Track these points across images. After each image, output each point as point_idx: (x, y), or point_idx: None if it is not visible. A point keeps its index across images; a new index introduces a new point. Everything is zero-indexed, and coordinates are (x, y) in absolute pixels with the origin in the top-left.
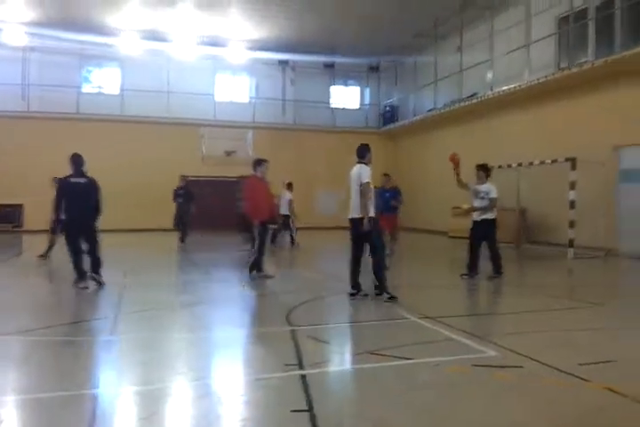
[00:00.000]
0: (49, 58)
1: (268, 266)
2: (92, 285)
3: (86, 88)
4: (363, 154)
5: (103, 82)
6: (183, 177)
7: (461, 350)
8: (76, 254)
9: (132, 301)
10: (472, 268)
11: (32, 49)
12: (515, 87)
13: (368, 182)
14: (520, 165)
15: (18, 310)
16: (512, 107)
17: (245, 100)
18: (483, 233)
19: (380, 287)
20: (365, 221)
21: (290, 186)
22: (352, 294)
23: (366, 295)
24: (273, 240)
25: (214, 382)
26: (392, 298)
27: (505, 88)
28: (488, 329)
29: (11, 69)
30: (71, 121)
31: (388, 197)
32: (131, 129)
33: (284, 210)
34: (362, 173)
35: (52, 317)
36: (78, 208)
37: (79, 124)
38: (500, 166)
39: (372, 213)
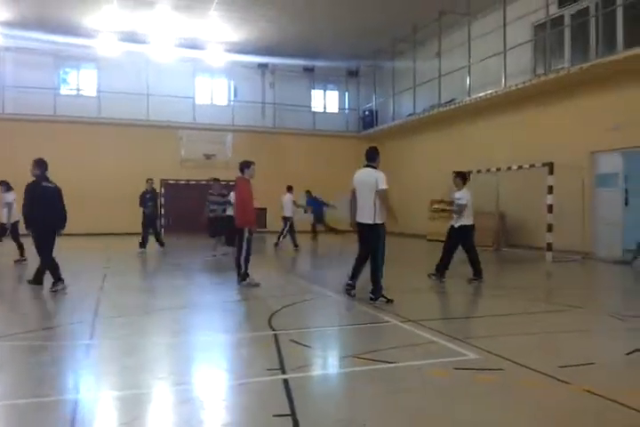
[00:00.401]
0: (25, 59)
1: (255, 273)
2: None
3: (64, 90)
4: (373, 157)
5: (80, 84)
6: (149, 180)
7: (443, 353)
8: (52, 258)
9: (112, 305)
10: (441, 270)
11: (7, 49)
12: (492, 93)
13: (386, 189)
14: (499, 169)
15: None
16: (490, 112)
17: (225, 102)
18: (458, 239)
19: (376, 292)
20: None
21: (290, 188)
22: (348, 285)
23: (354, 295)
24: (276, 244)
25: (196, 386)
26: (389, 301)
27: (482, 94)
28: (468, 332)
29: None
30: (48, 123)
31: None
32: (108, 131)
33: (287, 212)
34: (378, 178)
35: (29, 321)
36: (50, 212)
37: (56, 126)
38: (478, 171)
39: (384, 220)
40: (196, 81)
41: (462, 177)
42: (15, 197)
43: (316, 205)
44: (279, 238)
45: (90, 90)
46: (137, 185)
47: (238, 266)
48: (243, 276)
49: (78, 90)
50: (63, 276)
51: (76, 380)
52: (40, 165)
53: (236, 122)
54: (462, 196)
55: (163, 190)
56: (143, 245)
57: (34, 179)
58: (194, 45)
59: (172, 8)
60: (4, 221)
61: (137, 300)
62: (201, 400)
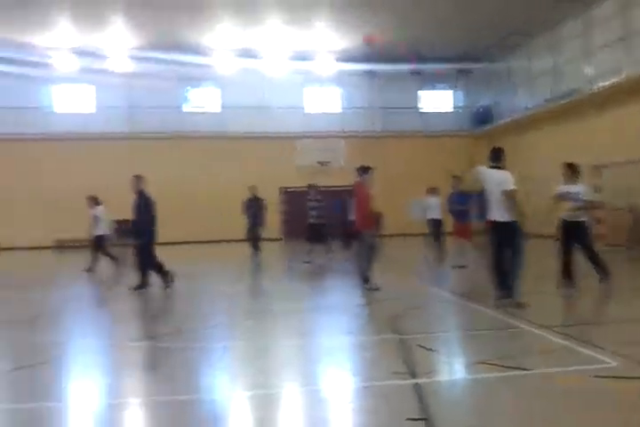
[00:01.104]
0: (150, 80)
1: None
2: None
3: (186, 108)
4: (498, 158)
5: (202, 101)
6: (252, 188)
7: (579, 360)
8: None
9: (240, 308)
10: (567, 274)
11: (134, 73)
12: (615, 82)
13: (514, 190)
14: (629, 162)
15: (136, 319)
16: (613, 103)
17: (335, 110)
18: (575, 235)
19: (509, 293)
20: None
21: (433, 190)
22: (501, 297)
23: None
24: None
25: (323, 388)
26: (521, 305)
27: (605, 83)
28: (605, 338)
29: (115, 93)
30: (173, 140)
31: (459, 202)
32: (231, 145)
33: (434, 214)
34: (507, 179)
35: (168, 324)
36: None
37: (181, 142)
38: (603, 166)
39: (514, 218)
40: (307, 91)
41: (573, 169)
42: (103, 212)
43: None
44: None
45: (213, 106)
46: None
47: (360, 270)
48: (364, 279)
49: (201, 107)
50: (199, 280)
51: (212, 380)
52: (143, 180)
53: (347, 128)
54: (583, 190)
55: (282, 198)
56: (255, 248)
57: (140, 192)
58: (304, 57)
59: (281, 22)
60: (95, 233)
61: (262, 303)
62: (328, 402)
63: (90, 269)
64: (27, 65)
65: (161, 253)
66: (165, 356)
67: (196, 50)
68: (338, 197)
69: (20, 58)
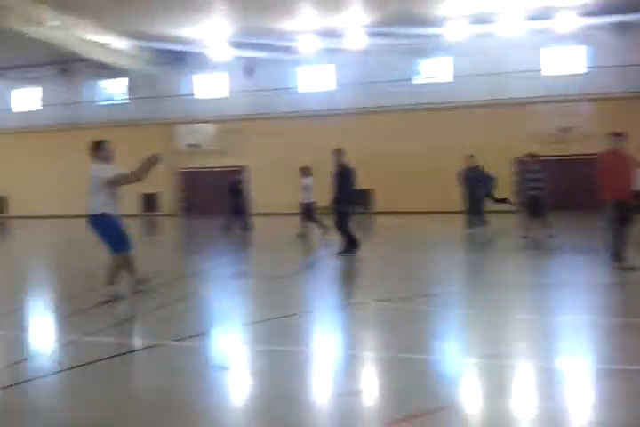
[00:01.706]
0: (384, 55)
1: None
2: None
3: (417, 80)
4: None
5: (434, 72)
6: (470, 157)
7: None
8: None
9: (479, 279)
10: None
11: (369, 50)
12: None
13: None
14: None
15: (374, 281)
16: None
17: (578, 71)
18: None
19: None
20: None
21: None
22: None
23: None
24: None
25: (559, 366)
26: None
27: None
28: None
29: (352, 70)
30: (403, 113)
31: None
32: (460, 114)
33: None
34: None
35: (406, 288)
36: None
37: (410, 114)
38: None
39: None
40: (544, 52)
41: None
42: (311, 183)
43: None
44: None
45: (444, 76)
46: (490, 165)
47: (611, 246)
48: (616, 257)
49: (431, 78)
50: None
51: (444, 343)
52: (343, 153)
53: (592, 90)
54: None
55: (516, 168)
56: (476, 223)
57: (341, 165)
58: (542, 15)
59: None
60: (304, 201)
61: (500, 276)
62: (567, 381)
63: (302, 235)
64: (277, 50)
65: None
66: (406, 317)
67: (428, 21)
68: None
69: (271, 43)
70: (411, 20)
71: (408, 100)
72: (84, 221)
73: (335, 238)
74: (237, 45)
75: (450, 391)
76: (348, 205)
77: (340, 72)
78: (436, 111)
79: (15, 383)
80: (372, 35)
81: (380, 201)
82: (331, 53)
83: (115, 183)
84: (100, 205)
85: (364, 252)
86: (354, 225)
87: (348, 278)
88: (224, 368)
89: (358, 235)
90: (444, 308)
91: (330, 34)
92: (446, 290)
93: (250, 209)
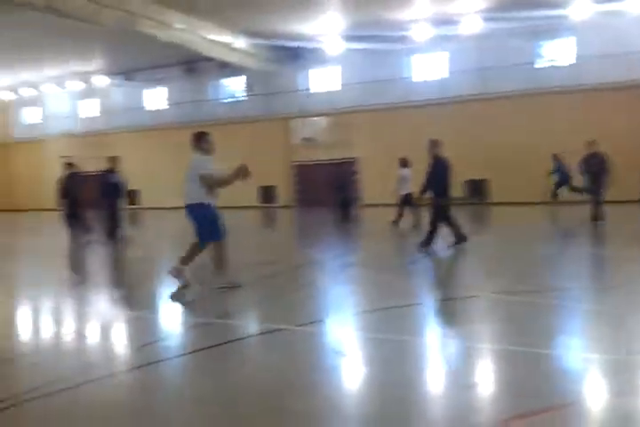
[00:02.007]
0: (501, 40)
1: None
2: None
3: (539, 63)
4: None
5: (556, 54)
6: (591, 143)
7: None
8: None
9: (609, 274)
10: None
11: (485, 35)
12: None
13: None
14: None
15: (497, 273)
16: None
17: None
18: None
19: None
20: None
21: None
22: None
23: None
24: None
25: None
26: None
27: None
28: None
29: (467, 57)
30: (523, 97)
31: None
32: (583, 97)
33: None
34: None
35: (525, 281)
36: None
37: (534, 99)
38: None
39: None
40: None
41: None
42: (409, 174)
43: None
44: None
45: (567, 58)
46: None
47: None
48: None
49: (553, 61)
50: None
51: (568, 339)
52: (438, 144)
53: None
54: None
55: None
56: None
57: (436, 156)
58: None
59: None
60: (402, 192)
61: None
62: None
63: (396, 223)
64: (389, 40)
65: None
66: (526, 310)
67: (549, 1)
68: None
69: (384, 34)
70: (529, 1)
71: (528, 84)
72: None
73: (446, 230)
74: (351, 38)
75: (574, 388)
76: (441, 197)
77: (453, 59)
78: (559, 95)
79: (148, 363)
80: (488, 19)
81: (495, 192)
82: (444, 41)
83: (202, 180)
84: (197, 194)
85: (477, 243)
86: (456, 217)
87: (460, 270)
88: (343, 354)
89: (468, 227)
90: (566, 302)
91: (443, 21)
92: (569, 284)
93: (358, 201)
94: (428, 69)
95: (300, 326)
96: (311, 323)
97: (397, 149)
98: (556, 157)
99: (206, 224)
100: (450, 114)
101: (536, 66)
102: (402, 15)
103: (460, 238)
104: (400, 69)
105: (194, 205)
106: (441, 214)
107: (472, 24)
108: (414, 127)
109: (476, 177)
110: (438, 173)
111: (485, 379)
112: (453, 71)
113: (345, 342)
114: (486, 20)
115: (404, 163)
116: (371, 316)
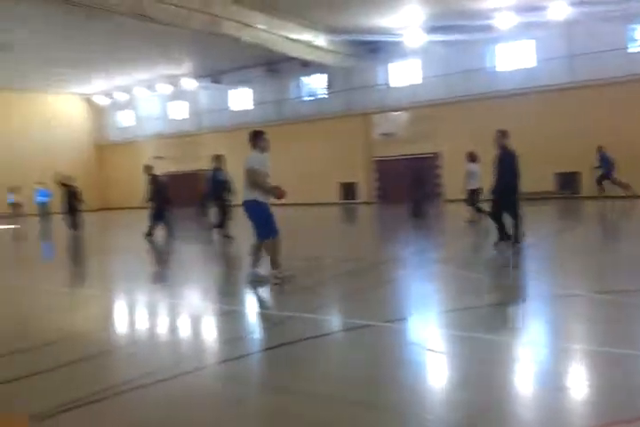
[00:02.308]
0: (592, 25)
1: None
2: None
3: (632, 48)
4: None
5: None
6: None
7: None
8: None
9: None
10: None
11: (574, 20)
12: None
13: None
14: None
15: (597, 271)
16: None
17: None
18: None
19: None
20: None
21: None
22: None
23: None
24: None
25: None
26: None
27: None
28: None
29: (555, 44)
30: (618, 85)
31: None
32: None
33: None
34: None
35: (630, 280)
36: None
37: (629, 86)
38: None
39: None
40: None
41: None
42: (478, 169)
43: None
44: None
45: None
46: None
47: None
48: None
49: None
50: None
51: None
52: (506, 135)
53: None
54: None
55: None
56: None
57: (503, 147)
58: None
59: None
60: (469, 187)
61: None
62: None
63: (471, 220)
64: (471, 30)
65: None
66: (629, 311)
67: None
68: None
69: (465, 24)
70: None
71: (622, 71)
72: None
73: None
74: (431, 30)
75: None
76: (507, 191)
77: (540, 47)
78: None
79: (239, 356)
80: (576, 4)
81: (588, 185)
82: (530, 28)
83: (247, 174)
84: (252, 191)
85: (569, 238)
86: (523, 215)
87: (552, 268)
88: (433, 351)
89: (556, 221)
90: None
91: (529, 8)
92: None
93: (438, 196)
94: (514, 59)
95: (387, 322)
96: (398, 320)
97: (482, 142)
98: (600, 150)
99: (262, 221)
100: (537, 104)
101: (629, 50)
102: (485, 4)
103: (502, 238)
104: (483, 60)
105: (249, 202)
106: (499, 207)
107: (559, 10)
108: (498, 119)
109: (567, 170)
110: (506, 166)
111: (579, 382)
112: (541, 60)
113: (434, 340)
114: (573, 4)
115: (473, 157)
116: (460, 314)
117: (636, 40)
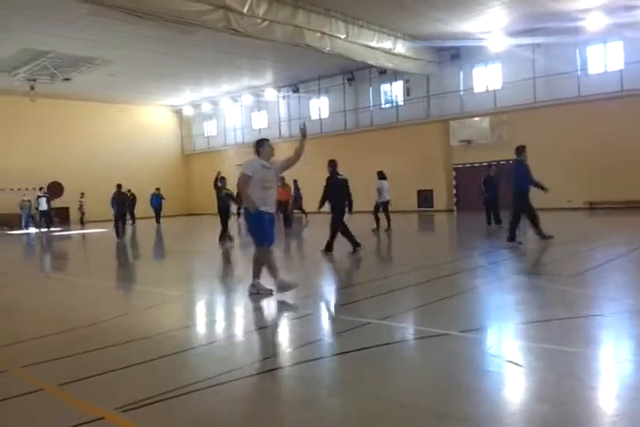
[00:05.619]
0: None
1: None
2: None
3: None
4: None
5: None
6: None
7: None
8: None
9: None
10: None
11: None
12: None
13: None
14: None
15: None
16: None
17: None
18: None
19: None
20: None
21: None
22: None
23: None
24: None
25: None
26: None
27: None
28: None
29: None
30: None
31: None
32: None
33: None
34: None
35: None
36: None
37: None
38: None
39: None
40: None
41: None
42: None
43: None
44: None
45: None
46: None
47: None
48: None
49: None
50: None
51: None
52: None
53: None
54: None
55: None
56: None
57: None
58: None
59: None
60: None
61: None
62: None
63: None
64: (556, 33)
65: None
66: None
67: None
68: None
69: (551, 26)
70: None
71: None
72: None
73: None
74: (514, 34)
75: None
76: (521, 200)
77: (629, 49)
78: None
79: (313, 359)
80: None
81: None
82: (619, 29)
83: (239, 179)
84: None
85: None
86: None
87: None
88: (514, 363)
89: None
90: None
91: (618, 8)
92: None
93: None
94: (601, 61)
95: (464, 331)
96: (475, 330)
97: (565, 149)
98: None
99: (257, 228)
100: (627, 108)
101: None
102: (572, 5)
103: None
104: (568, 63)
105: (247, 210)
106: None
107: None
108: (584, 124)
109: None
110: (518, 176)
111: None
112: (629, 62)
113: (514, 351)
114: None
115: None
116: (543, 325)
117: None
